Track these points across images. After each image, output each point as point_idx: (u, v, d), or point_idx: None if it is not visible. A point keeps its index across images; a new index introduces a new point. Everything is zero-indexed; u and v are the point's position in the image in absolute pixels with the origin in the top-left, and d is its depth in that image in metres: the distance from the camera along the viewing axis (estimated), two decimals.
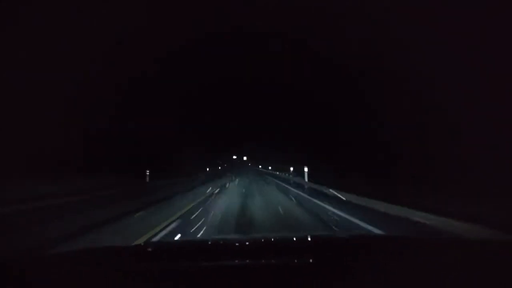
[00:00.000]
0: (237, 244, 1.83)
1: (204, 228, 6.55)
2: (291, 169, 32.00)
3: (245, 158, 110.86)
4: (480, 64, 10.94)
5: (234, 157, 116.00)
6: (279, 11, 21.58)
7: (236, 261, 1.35)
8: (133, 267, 1.22)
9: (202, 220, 7.48)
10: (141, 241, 5.25)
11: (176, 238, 5.59)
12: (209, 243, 1.95)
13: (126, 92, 18.53)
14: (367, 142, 18.82)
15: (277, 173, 43.33)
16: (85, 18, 14.25)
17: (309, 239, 1.98)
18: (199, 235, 5.94)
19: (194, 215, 8.37)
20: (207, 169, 49.22)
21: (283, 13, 21.79)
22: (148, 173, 20.90)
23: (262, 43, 29.24)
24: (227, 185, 23.04)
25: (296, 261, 1.25)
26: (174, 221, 7.33)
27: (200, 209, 9.50)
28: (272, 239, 2.04)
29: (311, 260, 1.25)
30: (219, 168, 67.03)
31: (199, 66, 31.70)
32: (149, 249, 1.63)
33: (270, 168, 56.85)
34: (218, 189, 18.61)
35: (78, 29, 13.88)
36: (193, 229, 6.50)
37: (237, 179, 31.84)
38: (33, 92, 11.88)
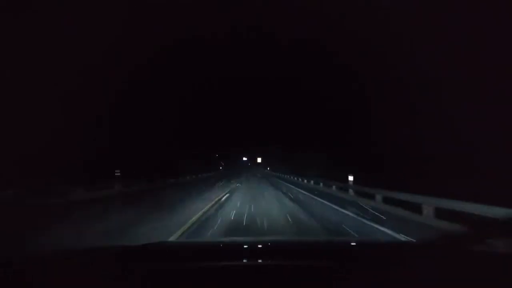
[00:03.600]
0: (247, 246, 1.79)
1: None
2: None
3: (259, 159, 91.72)
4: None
5: (244, 158, 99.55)
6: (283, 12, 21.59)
7: (245, 261, 1.34)
8: (140, 268, 1.21)
9: None
10: None
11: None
12: (220, 245, 1.93)
13: (127, 93, 18.52)
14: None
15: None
16: (85, 20, 14.24)
17: (323, 243, 1.97)
18: None
19: None
20: None
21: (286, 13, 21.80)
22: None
23: (274, 46, 29.36)
24: None
25: (306, 265, 1.24)
26: None
27: None
28: (285, 243, 2.01)
29: (321, 265, 1.23)
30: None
31: (208, 65, 31.84)
32: (158, 250, 1.61)
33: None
34: None
35: (76, 31, 13.86)
36: None
37: None
38: (31, 95, 11.82)
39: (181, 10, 19.62)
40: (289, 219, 6.97)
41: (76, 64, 13.76)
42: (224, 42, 29.77)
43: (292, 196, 12.67)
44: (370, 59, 17.23)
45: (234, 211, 8.14)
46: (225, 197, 12.01)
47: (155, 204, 9.84)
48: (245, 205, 9.43)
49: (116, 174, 14.51)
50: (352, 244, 2.00)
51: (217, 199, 11.10)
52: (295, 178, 26.57)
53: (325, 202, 10.64)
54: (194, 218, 6.79)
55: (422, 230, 5.89)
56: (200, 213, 7.61)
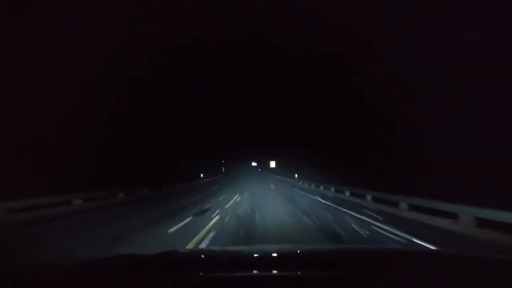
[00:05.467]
0: (257, 255, 1.76)
1: None
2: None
3: (272, 164, 73.70)
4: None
5: (254, 164, 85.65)
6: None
7: (261, 272, 1.32)
8: (155, 277, 1.19)
9: None
10: None
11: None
12: (232, 254, 1.90)
13: (128, 93, 18.52)
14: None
15: None
16: (84, 20, 14.24)
17: (336, 251, 1.96)
18: None
19: None
20: None
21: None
22: None
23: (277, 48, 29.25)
24: None
25: (320, 274, 1.23)
26: None
27: None
28: (296, 251, 1.99)
29: (337, 274, 1.22)
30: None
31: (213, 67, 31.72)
32: (172, 259, 1.59)
33: None
34: None
35: (76, 31, 13.87)
36: None
37: None
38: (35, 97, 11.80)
39: (181, 10, 19.63)
40: None
41: (75, 65, 13.76)
42: (227, 42, 29.69)
43: None
44: (370, 59, 17.21)
45: None
46: None
47: None
48: None
49: None
50: (360, 252, 1.96)
51: None
52: None
53: None
54: None
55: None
56: None
